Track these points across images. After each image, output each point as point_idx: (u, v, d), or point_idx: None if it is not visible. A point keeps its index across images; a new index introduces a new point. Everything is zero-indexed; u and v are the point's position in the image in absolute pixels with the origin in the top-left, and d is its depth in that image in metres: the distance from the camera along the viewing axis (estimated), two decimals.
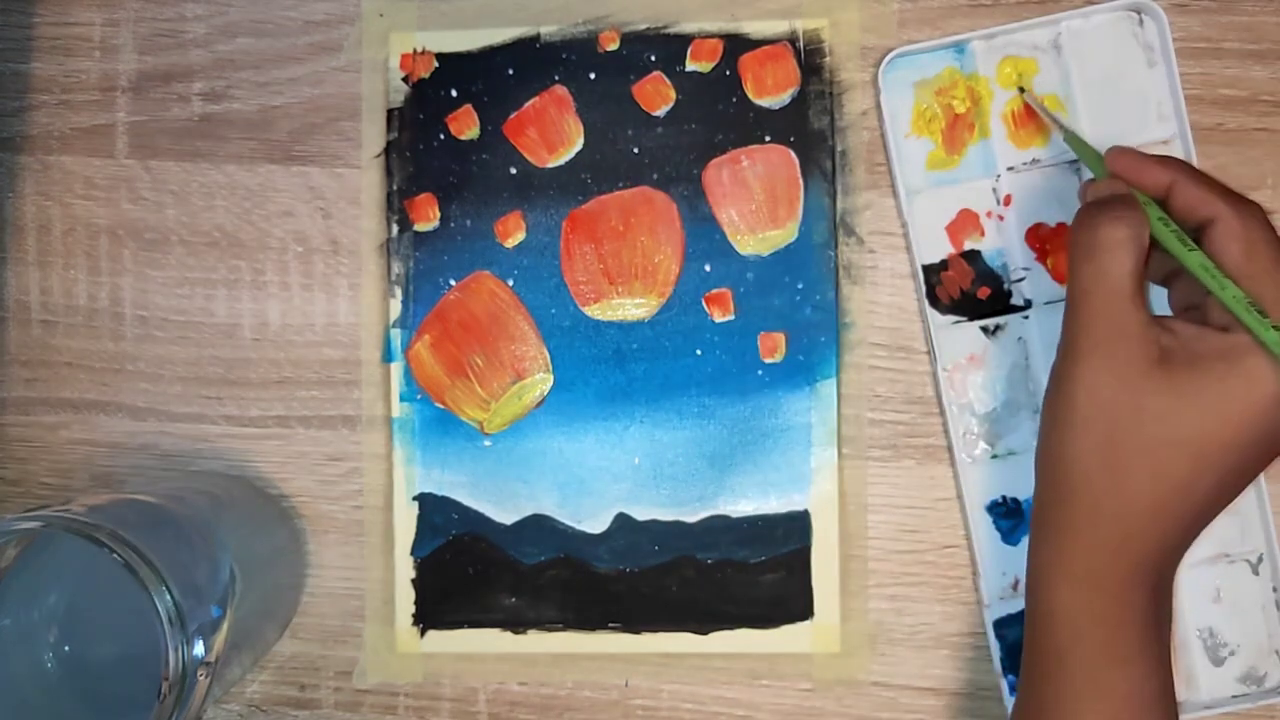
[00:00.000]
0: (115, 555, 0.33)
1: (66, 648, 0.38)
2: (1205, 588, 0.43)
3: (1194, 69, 0.44)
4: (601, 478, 0.44)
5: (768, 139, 0.44)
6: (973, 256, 0.44)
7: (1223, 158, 0.44)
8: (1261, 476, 0.42)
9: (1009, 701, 0.42)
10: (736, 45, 0.44)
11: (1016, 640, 0.43)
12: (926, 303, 0.43)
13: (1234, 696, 0.42)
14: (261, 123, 0.46)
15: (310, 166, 0.45)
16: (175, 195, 0.46)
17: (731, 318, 0.44)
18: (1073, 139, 0.40)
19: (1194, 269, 0.34)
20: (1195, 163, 0.42)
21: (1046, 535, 0.35)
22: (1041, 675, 0.35)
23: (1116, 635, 0.33)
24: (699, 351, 0.44)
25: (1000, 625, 0.43)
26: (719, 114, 0.44)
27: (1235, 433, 0.32)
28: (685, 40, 0.44)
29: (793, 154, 0.44)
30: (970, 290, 0.44)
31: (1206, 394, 0.32)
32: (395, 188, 0.45)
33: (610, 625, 0.44)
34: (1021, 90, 0.43)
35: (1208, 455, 0.32)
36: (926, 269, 0.44)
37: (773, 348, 0.44)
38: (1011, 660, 0.43)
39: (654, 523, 0.44)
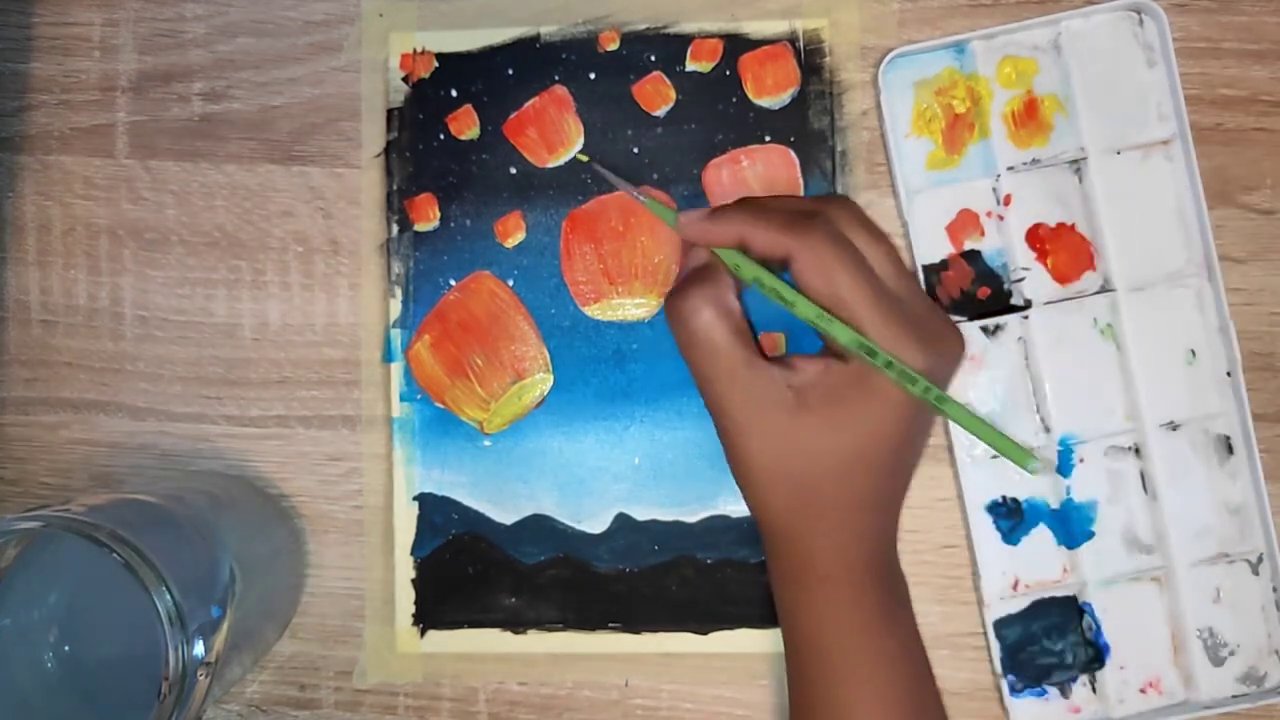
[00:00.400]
0: (115, 555, 0.33)
1: (66, 648, 0.38)
2: (1205, 588, 0.43)
3: (1194, 69, 0.44)
4: (601, 478, 0.44)
5: (768, 139, 0.44)
6: (973, 256, 0.44)
7: (1222, 158, 0.44)
8: (1261, 476, 0.42)
9: (1010, 701, 0.42)
10: (736, 45, 0.44)
11: (1016, 640, 0.43)
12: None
13: (1234, 696, 0.42)
14: (261, 123, 0.46)
15: (310, 166, 0.45)
16: (175, 195, 0.46)
17: None
18: (651, 202, 0.40)
19: (805, 318, 0.35)
20: (1194, 163, 0.43)
21: (778, 575, 0.37)
22: (810, 679, 0.37)
23: (862, 637, 0.36)
24: None
25: (1000, 625, 0.43)
26: (719, 114, 0.44)
27: (893, 438, 0.35)
28: (685, 40, 0.45)
29: (793, 154, 0.44)
30: (970, 290, 0.44)
31: (854, 420, 0.34)
32: (395, 188, 0.45)
33: (610, 625, 0.44)
34: (585, 158, 0.43)
35: (873, 461, 0.35)
36: (926, 269, 0.44)
37: (772, 347, 0.44)
38: (1012, 660, 0.43)
39: (654, 522, 0.44)
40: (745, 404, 0.34)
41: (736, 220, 0.36)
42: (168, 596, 0.33)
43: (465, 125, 0.45)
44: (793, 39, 0.44)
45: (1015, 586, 0.43)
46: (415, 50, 0.45)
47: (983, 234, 0.44)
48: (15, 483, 0.46)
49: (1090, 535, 0.43)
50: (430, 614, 0.44)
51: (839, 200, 0.37)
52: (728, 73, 0.44)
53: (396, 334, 0.45)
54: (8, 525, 0.33)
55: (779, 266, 0.36)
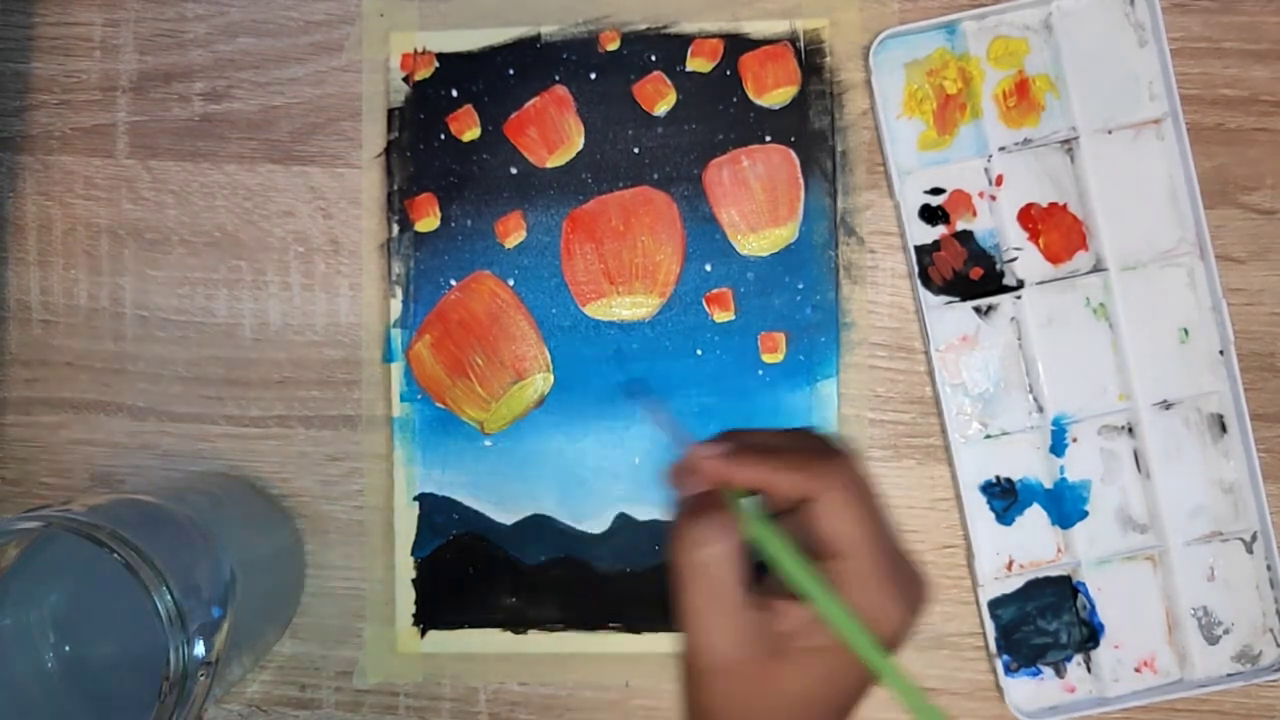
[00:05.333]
0: (116, 555, 0.33)
1: (66, 648, 0.38)
2: (1199, 566, 0.43)
3: (1194, 69, 0.44)
4: (602, 478, 0.44)
5: (768, 139, 0.44)
6: (965, 237, 0.44)
7: (1222, 158, 0.44)
8: (1255, 455, 0.42)
9: (1005, 681, 0.43)
10: (737, 45, 0.44)
11: (1010, 620, 0.43)
12: (919, 283, 0.43)
13: (1228, 675, 0.42)
14: (262, 123, 0.46)
15: (311, 166, 0.45)
16: (176, 195, 0.46)
17: (732, 317, 0.44)
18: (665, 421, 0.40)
19: (787, 577, 0.34)
20: (1186, 141, 0.43)
21: None
22: None
23: None
24: (699, 351, 0.44)
25: (994, 605, 0.43)
26: (719, 114, 0.44)
27: (855, 684, 0.35)
28: (685, 40, 0.45)
29: (793, 154, 0.44)
30: (963, 271, 0.44)
31: (823, 669, 0.34)
32: (396, 188, 0.45)
33: (611, 625, 0.44)
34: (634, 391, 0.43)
35: (833, 705, 0.35)
36: (919, 250, 0.44)
37: (773, 348, 0.44)
38: (1006, 640, 0.43)
39: (654, 523, 0.44)
40: (729, 645, 0.34)
41: (755, 464, 0.35)
42: (168, 596, 0.33)
43: (466, 125, 0.45)
44: (793, 39, 0.44)
45: (1009, 566, 0.43)
46: (416, 50, 0.45)
47: (975, 214, 0.44)
48: (16, 483, 0.46)
49: (1084, 515, 0.43)
50: (431, 614, 0.44)
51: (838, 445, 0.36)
52: (728, 72, 0.44)
53: (397, 334, 0.45)
54: (8, 525, 0.33)
55: (792, 506, 0.35)
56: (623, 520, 0.44)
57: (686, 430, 0.38)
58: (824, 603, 0.34)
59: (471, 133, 0.45)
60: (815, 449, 0.36)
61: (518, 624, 0.44)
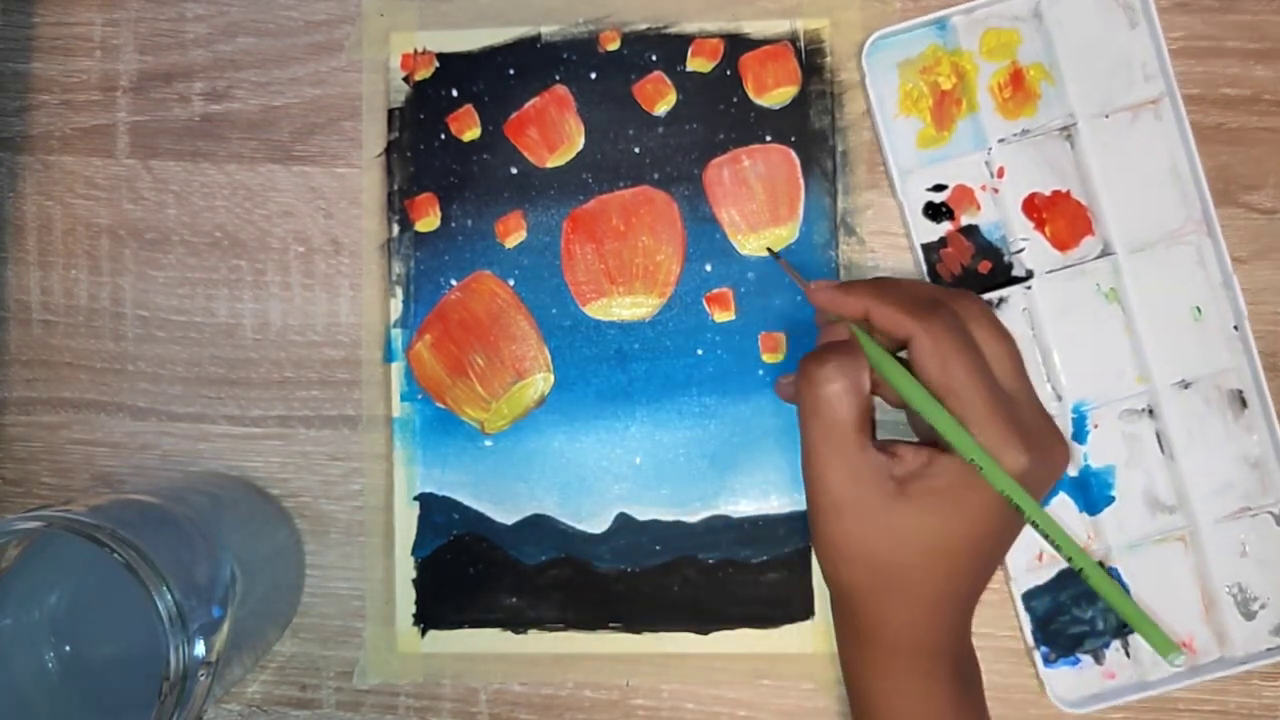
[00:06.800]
0: (116, 555, 0.33)
1: (66, 648, 0.38)
2: (1231, 543, 0.43)
3: (1195, 68, 0.44)
4: (602, 478, 0.44)
5: (768, 139, 0.44)
6: (971, 231, 0.44)
7: (1224, 157, 0.44)
8: (1278, 427, 0.42)
9: (1044, 672, 0.43)
10: (737, 45, 0.44)
11: (1045, 612, 0.43)
12: (929, 282, 0.43)
13: (1269, 649, 0.42)
14: (263, 122, 0.46)
15: (311, 166, 0.45)
16: (176, 195, 0.46)
17: (732, 317, 0.44)
18: (787, 267, 0.40)
19: (915, 405, 0.35)
20: (1184, 119, 0.43)
21: (847, 638, 0.38)
22: None
23: (930, 707, 0.36)
24: (700, 351, 0.44)
25: (1028, 597, 0.43)
26: (719, 114, 0.44)
27: (984, 537, 0.35)
28: (686, 40, 0.44)
29: (793, 154, 0.44)
30: (971, 265, 0.44)
31: (946, 512, 0.35)
32: (396, 188, 0.45)
33: (611, 625, 0.44)
34: (771, 251, 0.43)
35: (959, 557, 0.35)
36: (925, 248, 0.43)
37: (773, 347, 0.44)
38: (1043, 631, 0.43)
39: (655, 523, 0.44)
40: (846, 483, 0.35)
41: (864, 294, 0.37)
42: (168, 596, 0.33)
43: (466, 125, 0.45)
44: (793, 39, 0.44)
45: (1040, 558, 0.43)
46: (416, 50, 0.45)
47: (979, 208, 0.44)
48: (16, 483, 0.46)
49: (1111, 500, 0.43)
50: (431, 614, 0.44)
51: (966, 294, 0.37)
52: (728, 72, 0.44)
53: (397, 334, 0.45)
54: (9, 525, 0.33)
55: (899, 347, 0.37)
56: (623, 520, 0.44)
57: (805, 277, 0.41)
58: (943, 421, 0.34)
59: (471, 133, 0.45)
60: (926, 295, 0.36)
61: (518, 624, 0.44)
